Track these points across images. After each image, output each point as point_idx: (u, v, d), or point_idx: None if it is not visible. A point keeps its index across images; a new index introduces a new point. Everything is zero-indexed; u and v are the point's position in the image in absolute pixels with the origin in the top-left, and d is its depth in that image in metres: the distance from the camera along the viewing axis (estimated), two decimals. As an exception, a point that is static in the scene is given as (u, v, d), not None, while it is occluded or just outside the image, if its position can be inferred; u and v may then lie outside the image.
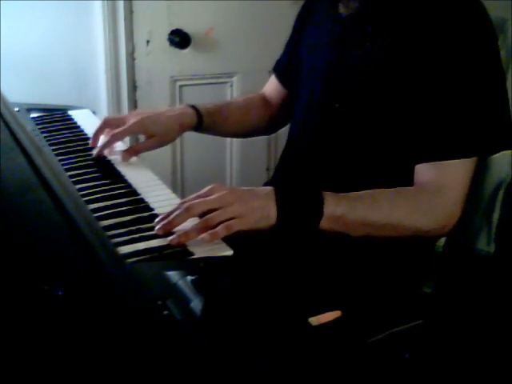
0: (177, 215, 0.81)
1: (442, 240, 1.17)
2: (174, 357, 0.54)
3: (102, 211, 0.88)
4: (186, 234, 0.80)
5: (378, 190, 0.94)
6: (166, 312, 0.60)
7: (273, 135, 1.99)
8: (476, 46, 0.93)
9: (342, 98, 1.04)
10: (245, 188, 0.88)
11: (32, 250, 0.67)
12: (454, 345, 1.11)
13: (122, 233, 0.82)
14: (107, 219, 0.86)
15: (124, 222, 0.85)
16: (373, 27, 1.00)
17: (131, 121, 1.11)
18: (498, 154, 1.05)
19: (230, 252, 0.79)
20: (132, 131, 1.12)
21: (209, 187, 0.86)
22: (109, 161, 1.09)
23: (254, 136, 1.40)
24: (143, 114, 1.13)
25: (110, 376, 0.51)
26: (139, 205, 0.92)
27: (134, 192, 0.96)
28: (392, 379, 0.96)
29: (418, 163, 0.95)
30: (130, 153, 1.10)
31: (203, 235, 0.80)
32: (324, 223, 0.88)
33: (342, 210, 0.89)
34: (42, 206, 0.76)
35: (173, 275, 0.67)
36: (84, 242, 0.69)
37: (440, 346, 1.08)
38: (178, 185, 2.10)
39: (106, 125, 1.11)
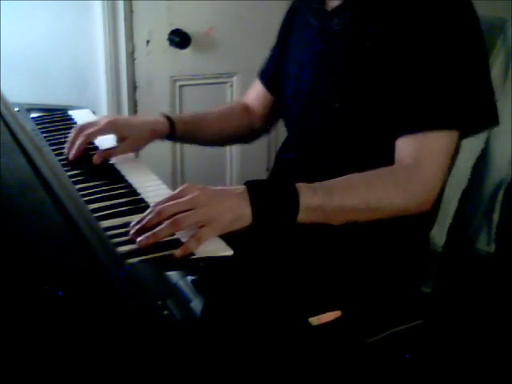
0: (149, 219, 0.80)
1: (442, 240, 1.17)
2: (174, 357, 0.54)
3: (102, 211, 0.88)
4: (154, 234, 0.78)
5: (353, 174, 0.92)
6: (166, 312, 0.60)
7: (273, 135, 1.99)
8: (457, 29, 0.94)
9: (343, 98, 1.04)
10: (217, 188, 0.86)
11: (32, 249, 0.67)
12: (453, 345, 1.11)
13: (122, 233, 0.82)
14: (107, 219, 0.86)
15: (124, 222, 0.85)
16: (372, 26, 1.00)
17: (103, 121, 1.11)
18: (498, 154, 1.05)
19: (229, 252, 0.79)
20: (104, 131, 1.11)
21: (181, 188, 0.84)
22: (108, 160, 1.09)
23: (234, 144, 1.40)
24: (116, 116, 1.14)
25: (110, 376, 0.51)
26: (139, 205, 0.92)
27: (134, 192, 0.96)
28: (392, 379, 0.97)
29: (398, 138, 0.95)
30: (100, 156, 1.08)
31: (174, 251, 0.77)
32: (302, 215, 0.86)
33: (318, 199, 0.87)
34: (42, 206, 0.76)
35: (173, 275, 0.67)
36: (84, 242, 0.69)
37: (440, 346, 1.08)
38: (178, 185, 2.09)
39: (78, 131, 1.10)
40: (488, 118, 0.98)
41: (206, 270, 0.73)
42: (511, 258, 1.18)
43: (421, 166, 0.92)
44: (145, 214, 0.82)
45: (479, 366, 1.12)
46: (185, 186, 0.85)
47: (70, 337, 0.54)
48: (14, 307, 0.57)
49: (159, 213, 0.80)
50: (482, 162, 1.15)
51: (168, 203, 0.82)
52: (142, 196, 0.95)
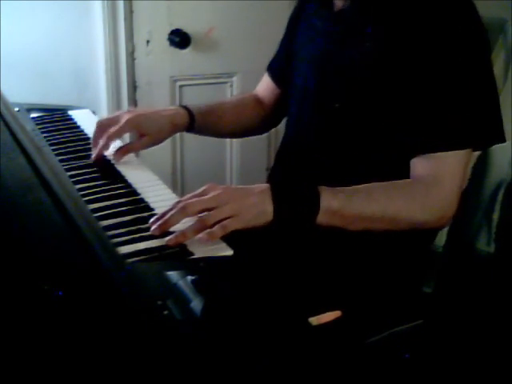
0: (172, 215, 0.81)
1: (442, 240, 1.17)
2: (174, 357, 0.54)
3: (102, 211, 0.88)
4: (184, 233, 0.80)
5: (374, 184, 0.94)
6: (166, 312, 0.60)
7: (273, 135, 2.00)
8: (466, 44, 0.94)
9: (342, 98, 1.04)
10: (240, 186, 0.88)
11: (32, 249, 0.67)
12: (453, 345, 1.11)
13: (121, 233, 0.82)
14: (107, 219, 0.86)
15: (124, 221, 0.85)
16: (372, 26, 1.00)
17: (124, 119, 1.10)
18: (498, 154, 1.05)
19: (230, 252, 0.79)
20: (126, 129, 1.11)
21: (204, 187, 0.86)
22: (109, 161, 1.09)
23: (246, 136, 1.40)
24: (136, 112, 1.13)
25: (110, 376, 0.51)
26: (139, 205, 0.92)
27: (134, 192, 0.96)
28: (392, 379, 0.96)
29: (413, 157, 0.96)
30: (121, 152, 1.09)
31: (200, 235, 0.80)
32: (321, 217, 0.88)
33: (337, 203, 0.89)
34: (42, 206, 0.76)
35: (173, 275, 0.67)
36: (84, 242, 0.69)
37: (440, 345, 1.08)
38: (178, 185, 2.10)
39: (100, 128, 1.11)
40: (498, 135, 0.99)
41: (206, 269, 0.73)
42: (511, 258, 1.17)
43: (439, 183, 0.94)
44: (167, 209, 0.83)
45: (479, 366, 1.12)
46: (208, 185, 0.87)
47: (70, 337, 0.54)
48: (14, 307, 0.57)
49: (183, 208, 0.82)
50: (482, 162, 1.15)
51: (192, 200, 0.83)
52: (142, 196, 0.95)
